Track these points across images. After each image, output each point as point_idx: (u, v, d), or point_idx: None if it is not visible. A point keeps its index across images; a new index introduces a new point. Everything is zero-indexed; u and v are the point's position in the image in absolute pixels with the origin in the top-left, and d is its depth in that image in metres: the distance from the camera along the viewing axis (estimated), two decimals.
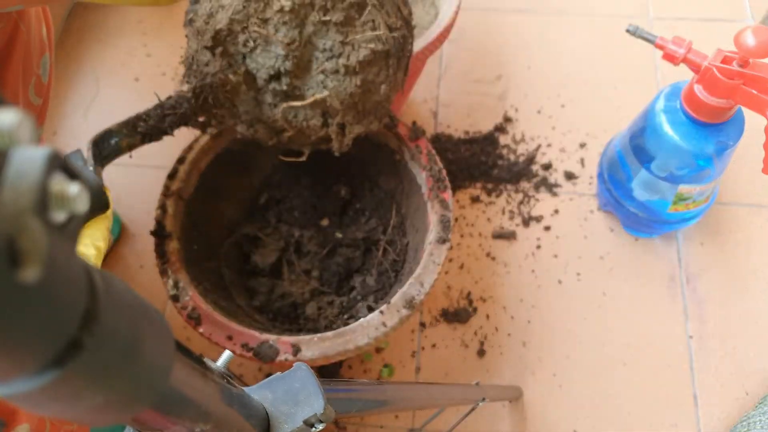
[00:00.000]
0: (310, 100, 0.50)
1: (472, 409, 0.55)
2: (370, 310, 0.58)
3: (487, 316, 0.74)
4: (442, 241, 0.55)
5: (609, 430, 0.67)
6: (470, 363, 0.71)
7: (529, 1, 0.99)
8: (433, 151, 0.61)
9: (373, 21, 0.48)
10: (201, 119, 0.52)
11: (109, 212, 0.46)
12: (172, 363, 0.19)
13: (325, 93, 0.49)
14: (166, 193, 0.59)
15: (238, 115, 0.53)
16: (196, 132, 0.64)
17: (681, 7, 0.97)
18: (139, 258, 0.79)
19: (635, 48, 0.90)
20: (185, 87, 0.52)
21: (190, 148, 0.62)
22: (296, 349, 0.49)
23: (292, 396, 0.29)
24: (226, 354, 0.30)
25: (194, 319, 0.52)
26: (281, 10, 0.47)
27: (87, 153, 0.46)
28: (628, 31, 0.60)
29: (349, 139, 0.54)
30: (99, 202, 0.46)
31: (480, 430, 0.68)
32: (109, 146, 0.48)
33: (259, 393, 0.29)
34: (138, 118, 0.49)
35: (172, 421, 0.21)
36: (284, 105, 0.51)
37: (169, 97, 0.50)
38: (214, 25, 0.48)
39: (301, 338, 0.50)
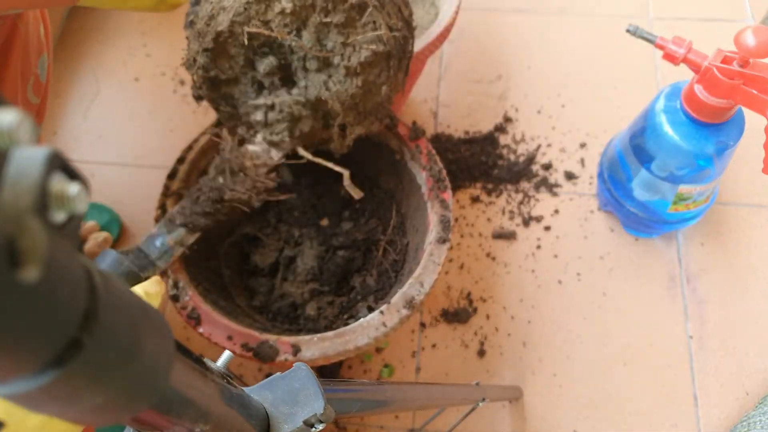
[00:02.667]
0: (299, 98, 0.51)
1: (472, 410, 0.55)
2: (370, 310, 0.58)
3: (487, 316, 0.74)
4: (442, 241, 0.55)
5: (609, 430, 0.67)
6: (470, 363, 0.71)
7: (529, 1, 0.99)
8: (433, 151, 0.61)
9: (374, 22, 0.48)
10: (236, 191, 0.51)
11: (155, 279, 0.46)
12: (171, 363, 0.19)
13: (327, 94, 0.49)
14: (166, 193, 0.59)
15: (238, 117, 0.53)
16: (196, 131, 0.64)
17: (681, 7, 0.97)
18: None
19: (635, 48, 0.90)
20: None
21: (189, 148, 0.62)
22: (296, 349, 0.49)
23: (292, 396, 0.29)
24: (226, 354, 0.30)
25: (194, 319, 0.52)
26: (282, 11, 0.47)
27: (120, 256, 0.46)
28: (628, 31, 0.60)
29: (349, 140, 0.54)
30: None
31: (480, 430, 0.68)
32: (155, 248, 0.49)
33: (259, 393, 0.29)
34: (172, 213, 0.50)
35: (171, 421, 0.21)
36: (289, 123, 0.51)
37: (193, 184, 0.51)
38: (215, 27, 0.48)
39: (301, 338, 0.50)
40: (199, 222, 0.51)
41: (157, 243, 0.49)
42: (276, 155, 0.52)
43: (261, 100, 0.50)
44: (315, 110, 0.51)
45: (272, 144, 0.52)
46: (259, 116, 0.51)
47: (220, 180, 0.50)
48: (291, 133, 0.51)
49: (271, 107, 0.50)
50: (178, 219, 0.50)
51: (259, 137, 0.52)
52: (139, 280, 0.47)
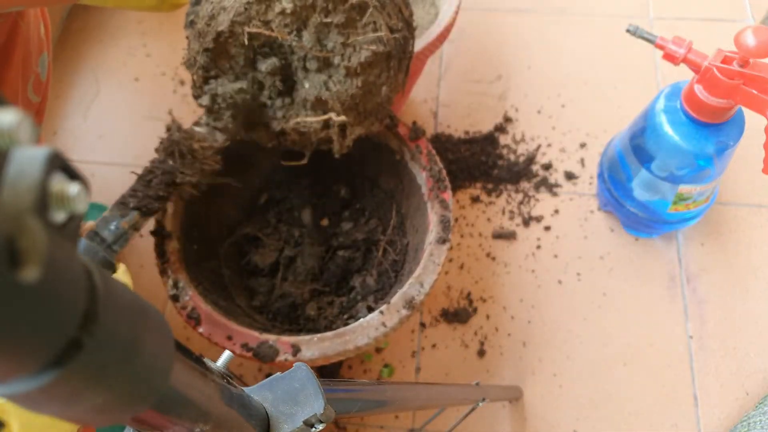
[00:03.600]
0: (321, 117, 0.51)
1: (472, 410, 0.55)
2: (370, 310, 0.58)
3: (487, 316, 0.74)
4: (442, 241, 0.55)
5: (609, 430, 0.67)
6: (470, 363, 0.71)
7: (529, 1, 0.99)
8: (433, 152, 0.61)
9: (375, 23, 0.48)
10: (186, 174, 0.52)
11: (121, 268, 0.47)
12: (171, 363, 0.19)
13: (327, 94, 0.49)
14: None
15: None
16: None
17: (681, 7, 0.97)
18: (139, 258, 0.79)
19: (635, 48, 0.90)
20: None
21: None
22: (296, 349, 0.49)
23: (292, 396, 0.29)
24: (226, 354, 0.30)
25: (194, 319, 0.52)
26: (283, 12, 0.47)
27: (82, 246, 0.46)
28: (628, 31, 0.60)
29: (349, 141, 0.54)
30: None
31: (480, 430, 0.68)
32: (110, 232, 0.48)
33: (259, 393, 0.29)
34: (124, 196, 0.50)
35: (171, 421, 0.21)
36: (295, 120, 0.51)
37: (144, 167, 0.51)
38: (216, 27, 0.48)
39: (301, 338, 0.50)
40: (153, 206, 0.50)
41: (112, 227, 0.48)
42: (221, 138, 0.52)
43: (206, 87, 0.51)
44: (314, 109, 0.51)
45: (216, 128, 0.52)
46: (205, 101, 0.51)
47: (170, 162, 0.50)
48: (234, 119, 0.52)
49: (215, 95, 0.51)
50: (131, 202, 0.49)
51: (203, 120, 0.52)
52: (112, 268, 0.47)
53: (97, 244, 0.47)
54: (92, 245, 0.46)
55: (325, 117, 0.51)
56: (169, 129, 0.52)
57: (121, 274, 0.46)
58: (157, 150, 0.51)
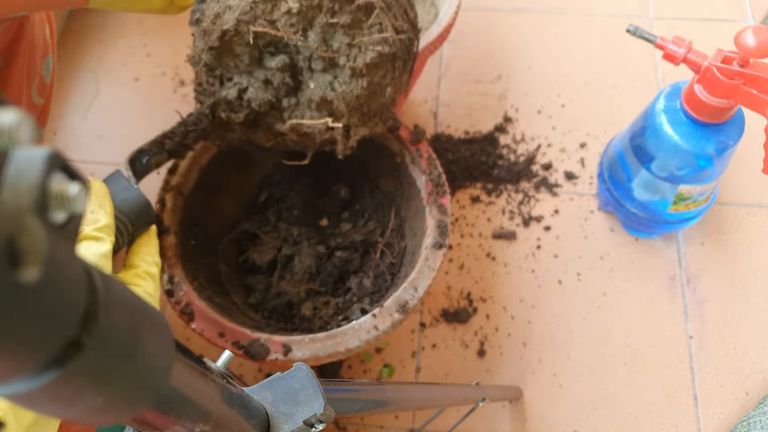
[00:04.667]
0: (320, 121, 0.51)
1: (472, 410, 0.55)
2: (364, 312, 0.58)
3: (488, 316, 0.74)
4: (438, 246, 0.55)
5: (609, 430, 0.67)
6: (470, 363, 0.71)
7: (529, 1, 0.99)
8: (434, 156, 0.61)
9: (381, 23, 0.48)
10: (217, 142, 0.54)
11: (154, 229, 0.48)
12: (172, 363, 0.19)
13: (333, 94, 0.49)
14: (166, 187, 0.59)
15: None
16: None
17: (681, 6, 0.97)
18: None
19: (635, 48, 0.90)
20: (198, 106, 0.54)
21: None
22: (287, 349, 0.49)
23: (292, 396, 0.29)
24: (226, 354, 0.30)
25: (188, 314, 0.52)
26: (289, 11, 0.47)
27: (126, 172, 0.49)
28: (628, 30, 0.60)
29: (353, 142, 0.54)
30: (148, 217, 0.48)
31: (480, 430, 0.68)
32: (141, 165, 0.50)
33: (259, 393, 0.29)
34: (164, 136, 0.51)
35: (172, 421, 0.21)
36: (292, 122, 0.51)
37: (190, 115, 0.52)
38: (221, 26, 0.48)
39: (293, 338, 0.50)
40: (182, 153, 0.53)
41: (144, 159, 0.51)
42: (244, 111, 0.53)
43: (231, 82, 0.52)
44: (319, 110, 0.51)
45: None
46: (233, 93, 0.52)
47: (211, 118, 0.52)
48: (246, 118, 0.53)
49: (243, 90, 0.51)
50: (167, 144, 0.51)
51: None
52: (153, 221, 0.49)
53: (128, 171, 0.49)
54: (118, 175, 0.48)
55: (323, 121, 0.51)
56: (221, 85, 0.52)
57: (155, 235, 0.47)
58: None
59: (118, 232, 0.43)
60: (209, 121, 0.52)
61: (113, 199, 0.44)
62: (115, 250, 0.42)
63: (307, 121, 0.51)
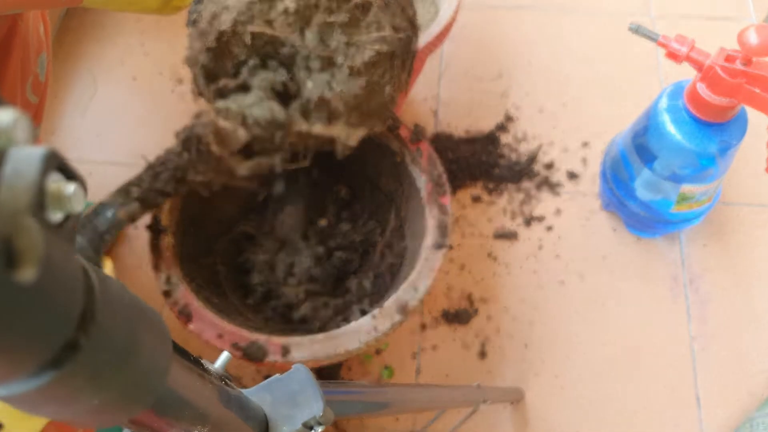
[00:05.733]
0: (331, 131, 0.50)
1: (473, 411, 0.55)
2: (363, 313, 0.58)
3: (489, 317, 0.74)
4: (439, 246, 0.55)
5: (611, 431, 0.67)
6: (471, 364, 0.71)
7: None
8: (434, 155, 0.61)
9: (378, 22, 0.48)
10: (199, 171, 0.49)
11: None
12: (169, 364, 0.19)
13: (331, 94, 0.49)
14: None
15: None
16: None
17: (683, 5, 0.96)
18: (138, 258, 0.79)
19: (638, 46, 0.90)
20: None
21: None
22: (285, 351, 0.49)
23: (291, 398, 0.29)
24: (224, 355, 0.30)
25: (185, 315, 0.51)
26: (286, 11, 0.46)
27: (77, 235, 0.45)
28: (630, 29, 0.59)
29: (353, 141, 0.53)
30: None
31: None
32: (105, 220, 0.46)
33: (258, 395, 0.29)
34: (129, 183, 0.47)
35: (169, 423, 0.21)
36: (300, 128, 0.51)
37: (157, 156, 0.48)
38: (218, 27, 0.48)
39: (291, 340, 0.50)
40: (156, 200, 0.48)
41: (108, 214, 0.46)
42: (243, 136, 0.49)
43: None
44: (318, 110, 0.51)
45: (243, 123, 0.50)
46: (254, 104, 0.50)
47: (185, 156, 0.48)
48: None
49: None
50: (134, 192, 0.47)
51: (225, 106, 0.49)
52: (96, 263, 0.45)
53: (88, 231, 0.45)
54: (80, 240, 0.44)
55: (334, 132, 0.50)
56: (196, 117, 0.49)
57: (107, 272, 0.45)
58: (176, 136, 0.48)
59: None
60: (182, 159, 0.47)
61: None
62: None
63: (316, 129, 0.51)
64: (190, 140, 0.48)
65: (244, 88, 0.52)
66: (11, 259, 0.12)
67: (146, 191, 0.48)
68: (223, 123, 0.48)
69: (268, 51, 0.49)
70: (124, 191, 0.47)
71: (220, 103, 0.49)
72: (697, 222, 0.74)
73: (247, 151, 0.51)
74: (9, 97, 0.53)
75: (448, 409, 0.62)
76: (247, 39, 0.48)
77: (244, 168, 0.51)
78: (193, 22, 0.51)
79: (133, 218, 0.48)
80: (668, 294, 0.74)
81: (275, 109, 0.49)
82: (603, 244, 0.78)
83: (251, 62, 0.50)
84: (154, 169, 0.48)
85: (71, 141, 0.89)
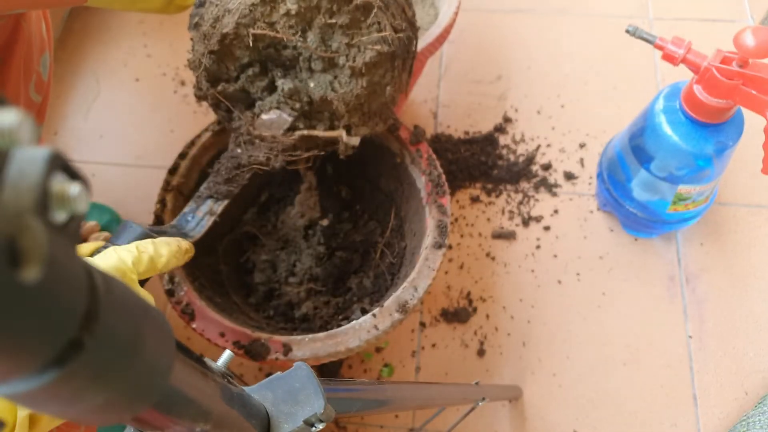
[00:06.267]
0: (333, 133, 0.51)
1: (472, 409, 0.55)
2: (364, 312, 0.58)
3: (487, 316, 0.74)
4: (438, 246, 0.55)
5: (608, 429, 0.67)
6: (470, 363, 0.71)
7: (528, 2, 0.99)
8: (434, 156, 0.61)
9: (379, 23, 0.48)
10: (253, 154, 0.53)
11: (183, 244, 0.45)
12: (172, 363, 0.19)
13: (333, 94, 0.50)
14: (167, 187, 0.59)
15: (244, 102, 0.54)
16: (197, 131, 0.64)
17: (681, 7, 0.97)
18: None
19: (635, 48, 0.90)
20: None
21: (192, 143, 0.63)
22: (287, 349, 0.49)
23: (293, 396, 0.29)
24: (227, 354, 0.30)
25: (188, 314, 0.52)
26: (287, 13, 0.47)
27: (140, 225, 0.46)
28: (627, 31, 0.60)
29: (354, 141, 0.54)
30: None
31: (480, 430, 0.68)
32: (188, 223, 0.51)
33: (260, 393, 0.29)
34: (200, 191, 0.53)
35: (172, 420, 0.21)
36: (299, 133, 0.51)
37: (216, 163, 0.54)
38: (221, 29, 0.48)
39: (293, 338, 0.50)
40: (222, 190, 0.53)
41: (189, 218, 0.51)
42: (289, 116, 0.52)
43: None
44: (320, 111, 0.51)
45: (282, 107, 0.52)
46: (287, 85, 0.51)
47: (238, 150, 0.52)
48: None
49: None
50: (204, 193, 0.52)
51: (268, 101, 0.52)
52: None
53: (173, 233, 0.49)
54: (146, 231, 0.45)
55: (336, 134, 0.51)
56: (235, 126, 0.53)
57: (184, 243, 0.45)
58: (209, 165, 0.54)
59: None
60: (235, 152, 0.52)
61: (117, 241, 0.43)
62: None
63: (320, 133, 0.51)
64: (237, 137, 0.52)
65: (244, 92, 0.52)
66: (15, 259, 0.12)
67: (213, 187, 0.53)
68: (266, 117, 0.52)
69: (270, 53, 0.50)
70: (198, 196, 0.53)
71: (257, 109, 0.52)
72: (693, 222, 0.74)
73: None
74: (13, 96, 0.53)
75: (447, 406, 0.62)
76: (250, 41, 0.48)
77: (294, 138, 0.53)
78: (195, 26, 0.52)
79: (212, 212, 0.52)
80: (665, 294, 0.74)
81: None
82: (600, 244, 0.78)
83: (250, 70, 0.50)
84: (215, 170, 0.53)
85: (74, 142, 0.89)
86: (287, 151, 0.53)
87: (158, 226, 0.49)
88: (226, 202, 0.53)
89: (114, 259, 0.38)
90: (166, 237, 0.44)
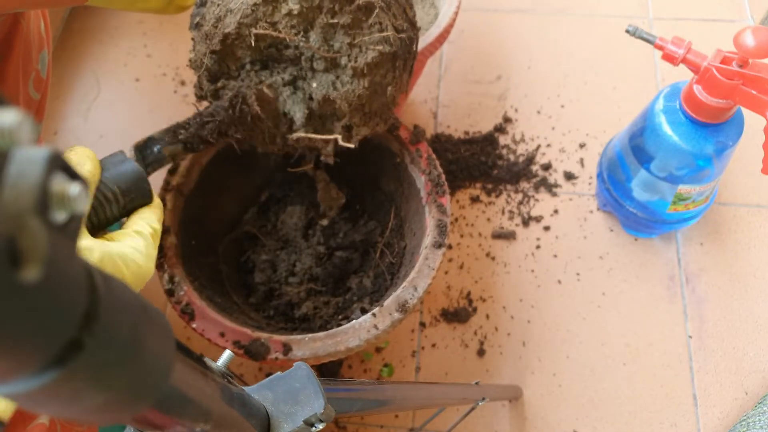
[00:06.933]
0: (329, 137, 0.51)
1: (472, 409, 0.55)
2: (363, 312, 0.58)
3: (487, 316, 0.74)
4: (438, 245, 0.55)
5: (608, 429, 0.67)
6: (470, 362, 0.71)
7: (528, 2, 0.99)
8: (433, 156, 0.61)
9: (381, 23, 0.48)
10: (237, 134, 0.51)
11: (157, 201, 0.45)
12: (172, 362, 0.19)
13: (335, 94, 0.50)
14: (166, 188, 0.59)
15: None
16: None
17: (681, 7, 0.97)
18: None
19: (635, 48, 0.90)
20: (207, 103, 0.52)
21: None
22: (287, 349, 0.49)
23: (293, 396, 0.29)
24: (227, 354, 0.30)
25: (188, 314, 0.52)
26: (289, 13, 0.47)
27: (129, 153, 0.46)
28: (627, 31, 0.60)
29: (355, 141, 0.54)
30: (141, 189, 0.45)
31: (480, 429, 0.68)
32: (152, 154, 0.48)
33: (260, 392, 0.29)
34: (178, 125, 0.49)
35: (172, 420, 0.21)
36: (297, 135, 0.51)
37: (208, 106, 0.50)
38: (223, 29, 0.48)
39: (293, 338, 0.50)
40: (198, 146, 0.50)
41: (155, 149, 0.48)
42: (283, 106, 0.51)
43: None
44: (322, 108, 0.51)
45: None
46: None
47: (230, 113, 0.50)
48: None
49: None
50: (181, 134, 0.49)
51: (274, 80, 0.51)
52: (150, 195, 0.46)
53: (136, 159, 0.47)
54: (118, 156, 0.45)
55: (332, 137, 0.51)
56: (242, 80, 0.51)
57: (156, 207, 0.44)
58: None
59: (105, 201, 0.41)
60: (227, 114, 0.50)
61: (104, 170, 0.41)
62: (103, 220, 0.40)
63: (314, 135, 0.51)
64: (236, 98, 0.49)
65: None
66: (15, 259, 0.12)
67: (192, 136, 0.49)
68: (265, 90, 0.50)
69: (272, 53, 0.50)
70: (173, 131, 0.49)
71: (265, 75, 0.51)
72: (693, 222, 0.74)
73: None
74: (11, 94, 0.53)
75: (447, 406, 0.62)
76: (252, 41, 0.48)
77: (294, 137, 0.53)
78: (196, 25, 0.52)
79: (174, 157, 0.49)
80: (665, 293, 0.74)
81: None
82: (600, 244, 0.78)
83: (250, 68, 0.50)
84: (202, 118, 0.50)
85: (74, 142, 0.89)
86: (264, 134, 0.52)
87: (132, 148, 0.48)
88: (188, 155, 0.51)
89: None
90: (145, 215, 0.43)
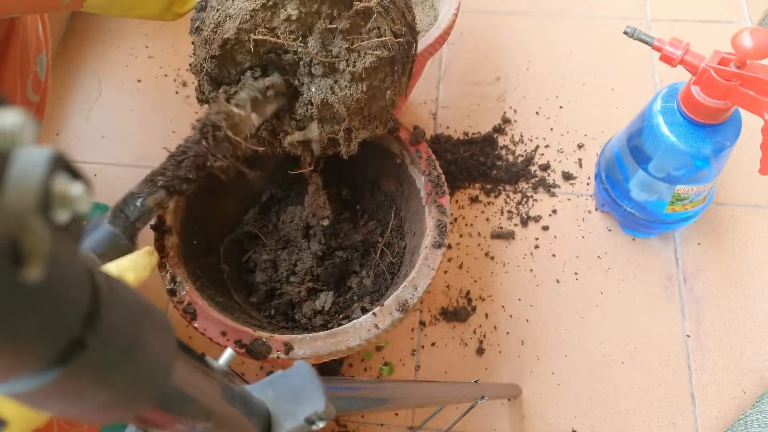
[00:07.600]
0: (312, 132, 0.51)
1: (471, 407, 0.55)
2: (364, 311, 0.59)
3: (486, 315, 0.74)
4: (438, 245, 0.55)
5: (607, 428, 0.68)
6: (469, 361, 0.72)
7: (527, 4, 0.99)
8: (433, 156, 0.61)
9: (379, 28, 0.48)
10: (217, 158, 0.50)
11: (144, 250, 0.45)
12: (173, 361, 0.20)
13: (334, 98, 0.50)
14: None
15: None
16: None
17: (678, 8, 0.97)
18: None
19: (633, 50, 0.91)
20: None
21: None
22: (288, 348, 0.50)
23: (293, 394, 0.29)
24: (228, 352, 0.31)
25: (189, 313, 0.52)
26: (288, 18, 0.47)
27: (109, 214, 0.46)
28: (625, 32, 0.60)
29: (354, 144, 0.54)
30: (115, 247, 0.44)
31: (479, 428, 0.68)
32: (136, 208, 0.48)
33: (261, 391, 0.29)
34: (154, 173, 0.49)
35: (174, 419, 0.21)
36: (290, 138, 0.51)
37: (178, 146, 0.50)
38: (222, 35, 0.48)
39: (294, 337, 0.50)
40: (181, 187, 0.49)
41: (138, 203, 0.48)
42: (256, 121, 0.50)
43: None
44: (320, 111, 0.52)
45: (254, 107, 0.50)
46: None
47: (204, 144, 0.49)
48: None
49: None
50: (160, 180, 0.48)
51: (242, 96, 0.50)
52: (131, 248, 0.46)
53: (120, 221, 0.47)
54: (115, 233, 0.45)
55: (315, 132, 0.51)
56: (209, 106, 0.50)
57: (144, 255, 0.44)
58: (193, 127, 0.49)
59: None
60: (200, 146, 0.49)
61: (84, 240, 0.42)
62: None
63: (299, 135, 0.52)
64: (206, 128, 0.48)
65: None
66: (18, 259, 0.12)
67: (171, 179, 0.48)
68: (235, 109, 0.49)
69: (271, 58, 0.50)
70: (150, 180, 0.48)
71: (231, 91, 0.50)
72: (691, 222, 0.75)
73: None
74: (9, 96, 0.53)
75: (446, 405, 0.62)
76: (251, 46, 0.48)
77: (288, 141, 0.52)
78: (196, 30, 0.52)
79: (161, 205, 0.49)
80: (663, 293, 0.75)
81: (277, 83, 0.49)
82: (598, 243, 0.78)
83: (251, 73, 0.50)
84: (175, 158, 0.49)
85: (76, 142, 0.90)
86: (245, 158, 0.51)
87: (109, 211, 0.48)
88: (175, 198, 0.50)
89: None
90: (131, 256, 0.43)
